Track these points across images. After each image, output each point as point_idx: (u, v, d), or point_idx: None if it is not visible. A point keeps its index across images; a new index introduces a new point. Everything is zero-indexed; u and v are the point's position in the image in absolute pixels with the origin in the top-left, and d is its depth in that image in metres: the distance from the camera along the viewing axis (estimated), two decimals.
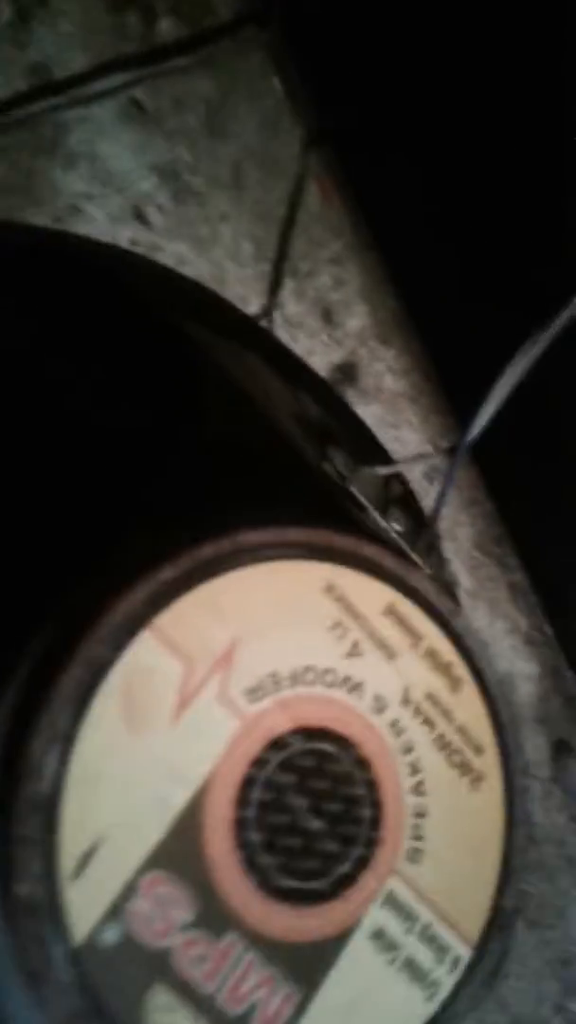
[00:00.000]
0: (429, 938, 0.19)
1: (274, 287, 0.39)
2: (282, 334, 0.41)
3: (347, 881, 0.18)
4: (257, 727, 0.18)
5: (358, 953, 0.18)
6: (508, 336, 0.30)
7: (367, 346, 0.44)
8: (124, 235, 0.37)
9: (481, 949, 0.19)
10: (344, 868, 0.18)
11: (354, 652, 0.19)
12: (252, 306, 0.40)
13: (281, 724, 0.18)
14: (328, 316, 0.43)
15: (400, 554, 0.20)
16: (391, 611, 0.19)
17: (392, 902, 0.19)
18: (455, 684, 0.20)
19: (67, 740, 0.15)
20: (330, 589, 0.19)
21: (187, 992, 0.16)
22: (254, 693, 0.18)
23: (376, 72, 0.45)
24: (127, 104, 0.37)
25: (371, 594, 0.19)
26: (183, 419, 0.25)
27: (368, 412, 0.45)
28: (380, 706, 0.19)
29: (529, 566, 0.37)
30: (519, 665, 0.33)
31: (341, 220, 0.45)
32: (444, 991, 0.19)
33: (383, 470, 0.27)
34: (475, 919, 0.20)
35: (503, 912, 0.20)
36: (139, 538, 0.18)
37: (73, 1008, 0.15)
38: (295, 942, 0.18)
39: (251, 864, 0.17)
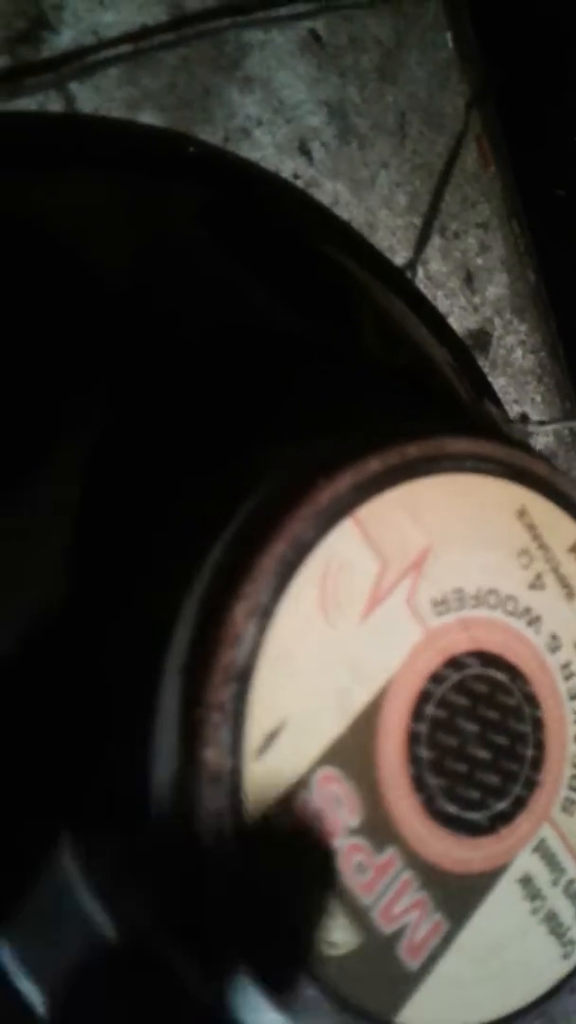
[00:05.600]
0: (573, 895, 0.18)
1: (421, 242, 0.39)
2: (423, 290, 0.40)
3: (504, 819, 0.17)
4: (438, 641, 0.17)
5: (505, 895, 0.17)
6: None
7: (502, 317, 0.43)
8: (288, 166, 0.37)
9: None
10: (502, 805, 0.17)
11: (537, 584, 0.18)
12: (398, 257, 0.40)
13: (461, 643, 0.17)
14: (469, 280, 0.42)
15: None
16: None
17: (543, 849, 0.18)
18: None
19: (266, 614, 0.15)
20: (522, 514, 0.18)
21: (346, 899, 0.15)
22: (439, 606, 0.17)
23: (547, 38, 0.44)
24: (307, 35, 0.37)
25: (560, 527, 0.18)
26: (344, 335, 0.24)
27: (495, 385, 0.44)
28: (555, 645, 0.18)
29: None
30: None
31: (493, 183, 0.44)
32: None
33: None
34: None
35: None
36: (344, 432, 0.17)
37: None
38: (450, 871, 0.17)
39: (419, 781, 0.16)
